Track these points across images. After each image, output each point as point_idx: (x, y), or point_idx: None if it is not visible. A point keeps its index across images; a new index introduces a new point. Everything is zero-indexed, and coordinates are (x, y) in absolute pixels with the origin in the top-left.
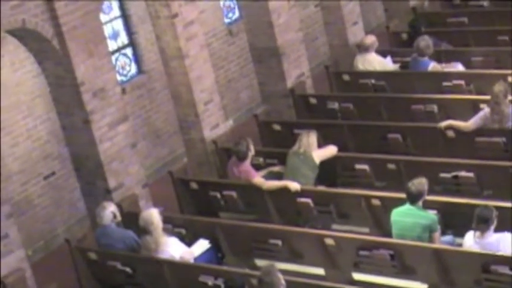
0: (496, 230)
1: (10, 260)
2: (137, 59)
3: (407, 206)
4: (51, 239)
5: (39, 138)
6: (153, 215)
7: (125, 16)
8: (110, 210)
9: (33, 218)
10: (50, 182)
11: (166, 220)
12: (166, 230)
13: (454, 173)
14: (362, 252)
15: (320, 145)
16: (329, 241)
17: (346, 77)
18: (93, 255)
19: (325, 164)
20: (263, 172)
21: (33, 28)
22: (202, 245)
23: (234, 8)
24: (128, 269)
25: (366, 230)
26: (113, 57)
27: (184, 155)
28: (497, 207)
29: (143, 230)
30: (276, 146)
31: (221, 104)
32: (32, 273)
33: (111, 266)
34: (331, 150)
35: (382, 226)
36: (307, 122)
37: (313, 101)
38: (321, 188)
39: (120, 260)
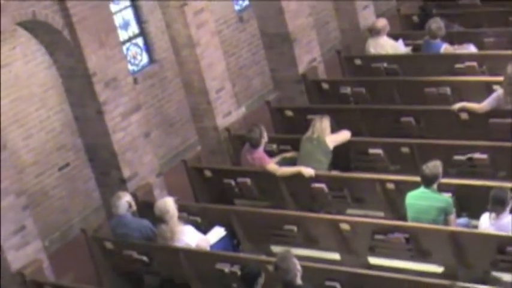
0: None
1: (27, 251)
2: (148, 48)
3: (422, 189)
4: (67, 229)
5: (52, 129)
6: (168, 204)
7: (135, 5)
8: (125, 199)
9: (49, 209)
10: (64, 173)
11: (181, 209)
12: (181, 219)
13: (468, 155)
14: (377, 236)
15: (333, 130)
16: (344, 226)
17: (358, 61)
18: (109, 245)
19: (339, 149)
20: (277, 158)
21: (44, 20)
22: (217, 233)
23: None
24: (144, 258)
25: (381, 214)
26: (124, 47)
27: (198, 143)
28: None
29: (159, 219)
30: (289, 132)
31: (233, 91)
32: (49, 264)
33: (127, 255)
34: (344, 135)
35: (397, 210)
36: (319, 107)
37: (325, 86)
38: (335, 173)
39: (137, 249)
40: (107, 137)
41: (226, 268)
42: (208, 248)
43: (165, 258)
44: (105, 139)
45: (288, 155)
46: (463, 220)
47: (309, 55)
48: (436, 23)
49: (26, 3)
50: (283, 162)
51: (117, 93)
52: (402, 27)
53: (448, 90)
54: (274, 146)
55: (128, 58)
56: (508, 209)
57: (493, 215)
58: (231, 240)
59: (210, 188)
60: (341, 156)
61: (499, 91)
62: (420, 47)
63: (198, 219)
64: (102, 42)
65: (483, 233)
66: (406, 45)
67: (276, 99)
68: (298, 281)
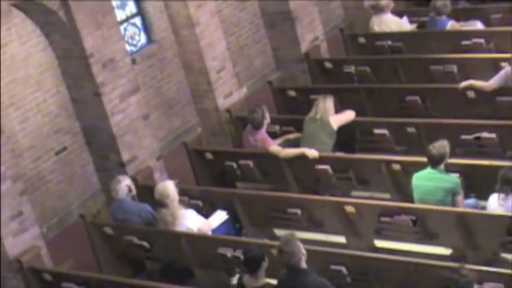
0: None
1: (25, 237)
2: (146, 28)
3: (428, 170)
4: (65, 215)
5: (49, 112)
6: (169, 188)
7: None
8: (124, 183)
9: (46, 194)
10: (61, 157)
11: (182, 192)
12: (182, 203)
13: (475, 135)
14: (383, 219)
15: (337, 110)
16: (349, 208)
17: (361, 40)
18: (109, 230)
19: (343, 129)
20: (279, 140)
21: (39, 0)
22: (219, 217)
23: None
24: (145, 243)
25: (387, 195)
26: (122, 27)
27: (198, 125)
28: None
29: (159, 203)
30: (292, 112)
31: (234, 71)
32: (48, 251)
33: (127, 241)
34: (348, 115)
35: (403, 191)
36: (323, 87)
37: (328, 65)
38: (340, 154)
39: (137, 234)
40: (105, 120)
41: (229, 253)
42: (210, 233)
43: (166, 243)
44: (103, 122)
45: (291, 136)
46: (471, 201)
47: (312, 33)
48: (442, 0)
49: None
50: (286, 144)
51: (115, 75)
52: (407, 3)
53: (454, 68)
54: (277, 127)
55: (126, 38)
56: None
57: (502, 195)
58: (233, 224)
59: (211, 171)
60: (345, 137)
61: (506, 68)
62: (425, 24)
63: (200, 203)
64: (98, 22)
65: (492, 214)
66: (411, 22)
67: (278, 79)
68: (303, 265)
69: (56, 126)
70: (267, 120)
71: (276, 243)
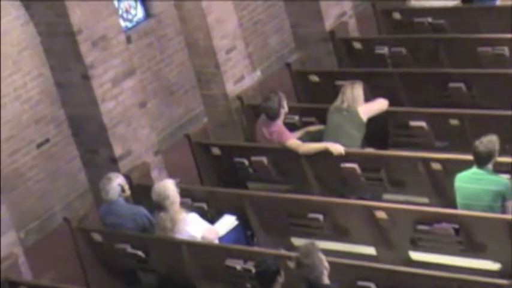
0: None
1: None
2: (144, 0)
3: (474, 170)
4: (47, 218)
5: (29, 98)
6: (169, 188)
7: None
8: (116, 182)
9: (25, 194)
10: (43, 151)
11: (184, 193)
12: (184, 205)
13: None
14: (420, 227)
15: (367, 98)
16: (380, 214)
17: (397, 16)
18: (97, 237)
19: (374, 121)
20: (299, 133)
21: None
22: (228, 222)
23: None
24: (139, 253)
25: (425, 200)
26: None
27: (204, 114)
28: None
29: (157, 206)
30: (314, 100)
31: (246, 51)
32: (26, 259)
33: (119, 249)
34: (380, 105)
35: (444, 195)
36: (351, 71)
37: (357, 45)
38: (369, 150)
39: (130, 241)
40: (95, 107)
41: (239, 265)
42: (216, 241)
43: (165, 253)
44: (92, 110)
45: (313, 128)
46: None
47: (338, 8)
48: None
49: None
50: (306, 138)
51: (106, 55)
52: None
53: (505, 50)
54: (296, 118)
55: (120, 12)
56: None
57: None
58: (244, 231)
59: (218, 169)
60: (376, 130)
61: None
62: None
63: (204, 205)
64: None
65: None
66: None
67: (298, 61)
68: (325, 280)
69: (37, 114)
70: (285, 110)
71: (294, 254)
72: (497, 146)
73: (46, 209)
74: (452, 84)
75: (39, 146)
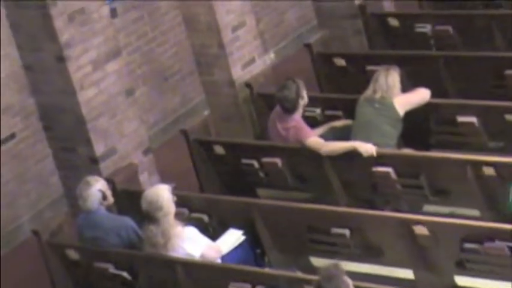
0: None
1: None
2: None
3: None
4: (12, 230)
5: None
6: (162, 195)
7: None
8: (96, 188)
9: None
10: (8, 148)
11: (180, 202)
12: (180, 217)
13: None
14: (468, 245)
15: (404, 88)
16: (420, 230)
17: None
18: (73, 254)
19: (413, 115)
20: (321, 129)
21: None
22: (233, 238)
23: None
24: (124, 274)
25: (475, 212)
26: None
27: (204, 105)
28: None
29: (147, 217)
30: (340, 90)
31: (257, 29)
32: None
33: (100, 270)
34: (421, 95)
35: (498, 206)
36: (384, 53)
37: (393, 22)
38: (407, 151)
39: (114, 260)
40: (72, 96)
41: None
42: (219, 260)
43: (156, 274)
44: (68, 99)
45: (338, 123)
46: None
47: None
48: None
49: None
50: (330, 135)
51: (86, 31)
52: None
53: None
54: (318, 111)
55: None
56: None
57: None
58: (252, 248)
59: (222, 172)
60: (416, 127)
61: None
62: None
63: (205, 217)
64: None
65: None
66: None
67: (321, 41)
68: None
69: (1, 103)
70: (304, 101)
71: (314, 277)
72: None
73: (11, 218)
74: (508, 72)
75: (3, 142)
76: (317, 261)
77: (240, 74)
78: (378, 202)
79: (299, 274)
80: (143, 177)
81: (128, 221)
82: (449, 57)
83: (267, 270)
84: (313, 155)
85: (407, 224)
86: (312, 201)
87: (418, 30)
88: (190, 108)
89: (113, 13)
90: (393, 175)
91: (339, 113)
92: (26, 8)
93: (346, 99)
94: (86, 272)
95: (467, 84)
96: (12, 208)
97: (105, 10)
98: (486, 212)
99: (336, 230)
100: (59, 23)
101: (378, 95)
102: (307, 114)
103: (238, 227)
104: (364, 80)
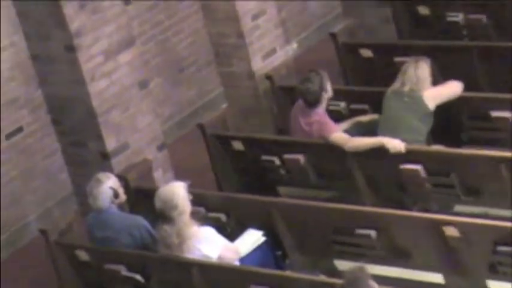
0: None
1: None
2: None
3: None
4: (18, 229)
5: None
6: (177, 193)
7: None
8: (108, 185)
9: None
10: (15, 143)
11: (196, 200)
12: (196, 216)
13: None
14: (502, 248)
15: (435, 81)
16: (450, 231)
17: None
18: (83, 255)
19: (444, 110)
20: (346, 124)
21: None
22: (252, 239)
23: None
24: (137, 276)
25: (508, 213)
26: None
27: (222, 98)
28: None
29: (161, 216)
30: (366, 82)
31: (279, 17)
32: None
33: (111, 272)
34: (452, 89)
35: None
36: (414, 44)
37: (424, 10)
38: (438, 147)
39: (126, 261)
40: (82, 88)
41: None
42: (237, 262)
43: (170, 277)
44: (78, 90)
45: (364, 118)
46: None
47: None
48: None
49: None
50: (356, 130)
51: (97, 19)
52: None
53: None
54: (343, 105)
55: None
56: None
57: None
58: (272, 250)
59: (241, 169)
60: (447, 122)
61: None
62: None
63: (223, 216)
64: None
65: None
66: None
67: (346, 30)
68: None
69: (7, 95)
70: (328, 94)
71: (338, 281)
72: None
73: (18, 217)
74: None
75: (9, 136)
76: (341, 264)
77: (260, 65)
78: (406, 202)
79: (322, 278)
80: (157, 174)
81: (141, 220)
82: (482, 48)
83: (288, 273)
84: (338, 152)
85: (437, 225)
86: (335, 200)
87: (450, 19)
88: (208, 101)
89: (127, 0)
90: (422, 173)
91: (365, 106)
92: None
93: (372, 92)
94: (97, 274)
95: (502, 77)
96: (18, 206)
97: None
98: None
99: (361, 231)
100: (68, 10)
101: (406, 88)
102: (331, 108)
103: (258, 227)
104: (392, 72)
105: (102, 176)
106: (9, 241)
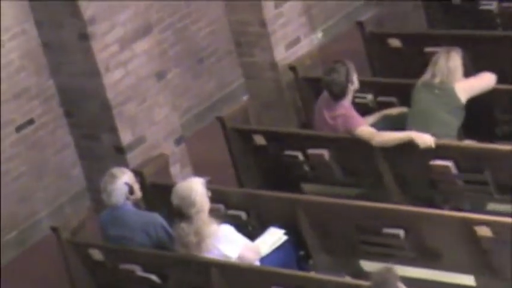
0: None
1: None
2: None
3: None
4: (29, 227)
5: (7, 64)
6: (195, 190)
7: None
8: (123, 181)
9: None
10: (25, 136)
11: (216, 197)
12: (215, 214)
13: None
14: None
15: (467, 72)
16: (483, 231)
17: None
18: (97, 254)
19: (476, 103)
20: (373, 117)
21: None
22: (273, 238)
23: None
24: (153, 277)
25: None
26: None
27: (244, 90)
28: None
29: (178, 214)
30: (395, 73)
31: (303, 5)
32: (2, 281)
33: (126, 272)
34: (485, 80)
35: None
36: (445, 33)
37: None
38: (470, 142)
39: (141, 261)
40: (96, 78)
41: None
42: (258, 263)
43: (188, 278)
44: (92, 81)
45: (393, 111)
46: None
47: None
48: None
49: None
50: (383, 124)
51: (113, 6)
52: None
53: None
54: (370, 97)
55: None
56: None
57: None
58: (295, 250)
59: (262, 164)
60: (479, 116)
61: None
62: None
63: (243, 214)
64: None
65: None
66: None
67: (374, 19)
68: None
69: (17, 86)
70: (354, 86)
71: (364, 283)
72: None
73: (28, 214)
74: None
75: (19, 129)
76: (368, 265)
77: (283, 55)
78: (436, 200)
79: (348, 279)
80: (175, 169)
81: (157, 218)
82: None
83: (311, 274)
84: (364, 147)
85: (469, 225)
86: (362, 197)
87: (483, 7)
88: (228, 93)
89: None
90: (454, 170)
91: (393, 99)
92: None
93: (401, 84)
94: (110, 274)
95: None
96: (28, 203)
97: None
98: None
99: (389, 231)
100: None
101: (437, 80)
102: (357, 100)
103: (280, 226)
104: (422, 62)
105: (116, 171)
106: (19, 240)
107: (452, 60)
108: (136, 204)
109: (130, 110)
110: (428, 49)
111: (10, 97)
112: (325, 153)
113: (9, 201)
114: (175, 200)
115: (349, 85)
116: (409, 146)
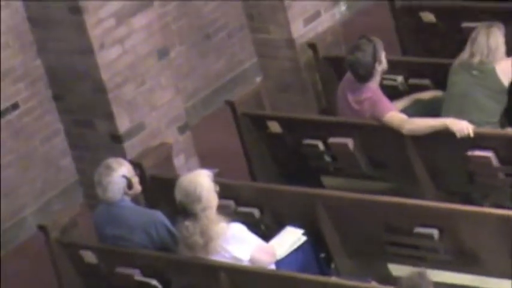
0: None
1: None
2: None
3: None
4: (14, 225)
5: None
6: (202, 184)
7: None
8: (120, 173)
9: None
10: (9, 122)
11: (225, 192)
12: (224, 211)
13: None
14: None
15: (510, 51)
16: None
17: None
18: (90, 257)
19: None
20: (404, 102)
21: None
22: (291, 238)
23: None
24: (154, 282)
25: None
26: None
27: (257, 70)
28: None
29: (182, 211)
30: (428, 52)
31: None
32: None
33: (123, 276)
34: None
35: None
36: (486, 7)
37: None
38: None
39: (141, 264)
40: (89, 57)
41: None
42: (273, 266)
43: (193, 283)
44: (85, 60)
45: (425, 95)
46: None
47: None
48: None
49: None
50: (415, 109)
51: None
52: None
53: None
54: (400, 79)
55: None
56: None
57: None
58: (315, 252)
59: (278, 155)
60: None
61: None
62: None
63: (256, 211)
64: None
65: None
66: None
67: None
68: None
69: (2, 66)
70: (382, 66)
71: None
72: None
73: (11, 211)
74: None
75: (2, 114)
76: (397, 269)
77: (301, 31)
78: (475, 195)
79: (374, 285)
80: (178, 161)
81: (159, 216)
82: None
83: (333, 279)
84: (393, 135)
85: (511, 223)
86: (391, 193)
87: None
88: (239, 74)
89: None
90: (494, 161)
91: (426, 81)
92: None
93: (435, 64)
94: (105, 279)
95: None
96: (13, 198)
97: None
98: None
99: (421, 230)
100: None
101: (476, 60)
102: (386, 83)
103: (298, 225)
104: (459, 40)
105: (113, 162)
106: (6, 238)
107: (493, 38)
108: (135, 200)
109: (128, 93)
110: (466, 24)
111: None
112: (348, 142)
113: None
114: (178, 195)
115: (376, 65)
116: (444, 134)
